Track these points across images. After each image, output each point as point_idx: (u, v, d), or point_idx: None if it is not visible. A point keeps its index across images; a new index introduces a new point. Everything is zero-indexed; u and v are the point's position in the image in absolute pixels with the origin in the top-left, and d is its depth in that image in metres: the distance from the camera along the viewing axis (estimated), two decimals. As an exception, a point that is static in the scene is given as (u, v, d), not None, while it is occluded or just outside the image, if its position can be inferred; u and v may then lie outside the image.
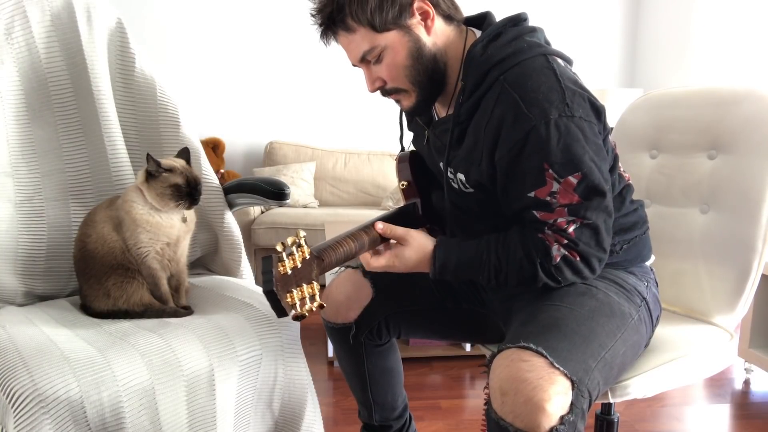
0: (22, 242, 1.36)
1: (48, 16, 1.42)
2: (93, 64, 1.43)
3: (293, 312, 0.88)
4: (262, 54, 4.06)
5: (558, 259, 0.99)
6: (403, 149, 1.28)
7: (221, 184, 1.53)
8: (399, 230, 1.06)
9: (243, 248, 1.55)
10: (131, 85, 1.50)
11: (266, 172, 3.85)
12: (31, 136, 1.40)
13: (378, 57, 1.04)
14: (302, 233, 0.94)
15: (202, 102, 4.07)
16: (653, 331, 1.12)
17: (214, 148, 3.91)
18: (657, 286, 1.17)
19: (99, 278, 1.24)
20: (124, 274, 1.24)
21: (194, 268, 1.58)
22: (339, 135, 4.22)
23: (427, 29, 1.04)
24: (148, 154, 1.23)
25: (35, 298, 1.39)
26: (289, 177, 3.76)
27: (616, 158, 1.09)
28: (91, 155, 1.45)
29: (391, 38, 1.02)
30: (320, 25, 1.05)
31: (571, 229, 0.98)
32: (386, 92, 1.09)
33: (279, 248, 0.89)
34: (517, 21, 1.06)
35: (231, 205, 1.53)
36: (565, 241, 0.98)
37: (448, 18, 1.06)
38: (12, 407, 0.94)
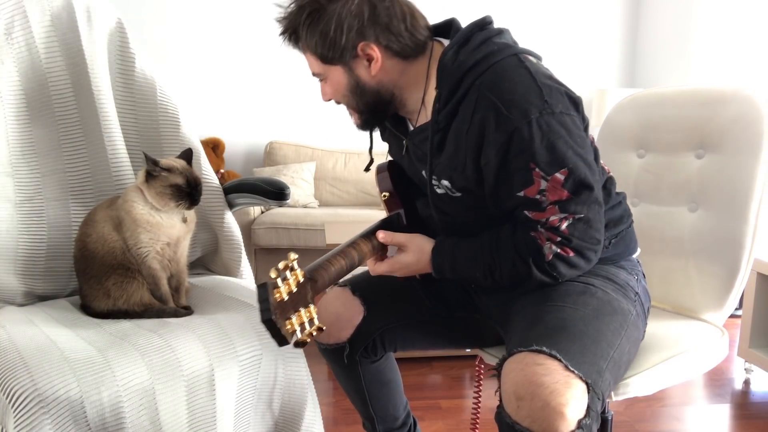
0: (22, 242, 1.36)
1: (48, 16, 1.42)
2: (93, 64, 1.43)
3: (295, 338, 0.84)
4: (262, 54, 4.06)
5: (550, 256, 1.00)
6: (372, 159, 1.28)
7: (221, 184, 1.53)
8: (399, 237, 1.10)
9: (243, 248, 1.55)
10: (131, 85, 1.50)
11: (266, 172, 3.85)
12: (31, 136, 1.40)
13: (325, 80, 1.09)
14: (293, 255, 0.90)
15: (202, 102, 4.07)
16: (646, 323, 1.13)
17: (214, 148, 3.91)
18: (645, 277, 1.18)
19: (99, 278, 1.24)
20: (124, 274, 1.24)
21: (194, 268, 1.58)
22: (339, 135, 4.22)
23: (371, 70, 1.04)
24: (144, 154, 1.23)
25: (35, 298, 1.39)
26: (289, 177, 3.76)
27: (596, 151, 1.10)
28: (91, 155, 1.45)
29: (334, 72, 1.06)
30: (281, 35, 1.09)
31: (564, 226, 0.98)
32: (338, 103, 1.14)
33: (273, 274, 0.85)
34: (483, 25, 1.05)
35: (231, 205, 1.53)
36: (558, 239, 0.99)
37: (404, 55, 1.05)
38: (12, 407, 0.94)
